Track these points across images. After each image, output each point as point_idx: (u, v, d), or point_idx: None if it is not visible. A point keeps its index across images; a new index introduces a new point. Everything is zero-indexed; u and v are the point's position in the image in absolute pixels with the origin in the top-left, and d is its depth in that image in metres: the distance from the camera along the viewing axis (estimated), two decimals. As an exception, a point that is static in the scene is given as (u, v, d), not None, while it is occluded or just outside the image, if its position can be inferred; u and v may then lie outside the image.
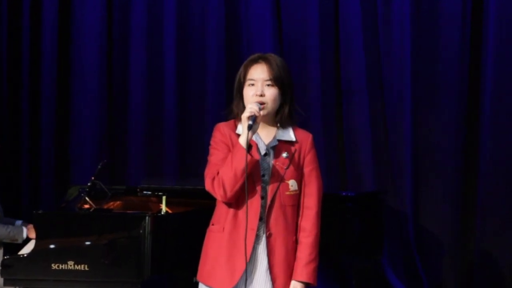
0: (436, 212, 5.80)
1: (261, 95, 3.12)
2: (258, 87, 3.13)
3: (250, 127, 3.03)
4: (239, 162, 3.04)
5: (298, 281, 3.16)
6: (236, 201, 3.13)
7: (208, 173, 3.15)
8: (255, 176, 3.12)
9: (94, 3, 6.28)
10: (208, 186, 3.14)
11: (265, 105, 3.11)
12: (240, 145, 3.06)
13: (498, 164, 5.61)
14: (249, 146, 3.05)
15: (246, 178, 3.03)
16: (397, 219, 5.80)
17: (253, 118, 3.04)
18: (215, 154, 3.17)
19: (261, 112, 3.08)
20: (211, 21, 6.15)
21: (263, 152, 3.17)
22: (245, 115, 3.05)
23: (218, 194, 3.12)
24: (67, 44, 6.34)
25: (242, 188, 3.07)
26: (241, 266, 3.11)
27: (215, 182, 3.10)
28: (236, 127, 3.20)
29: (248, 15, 6.11)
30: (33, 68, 6.31)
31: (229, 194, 3.09)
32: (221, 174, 3.08)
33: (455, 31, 5.73)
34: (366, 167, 5.88)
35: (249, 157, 3.03)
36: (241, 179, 3.05)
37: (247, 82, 3.16)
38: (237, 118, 3.20)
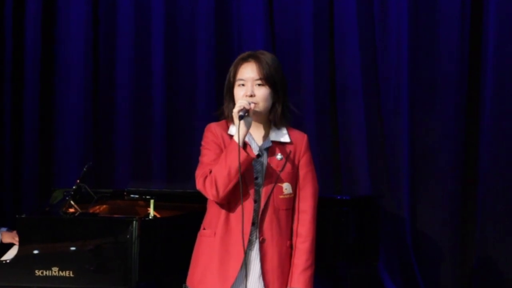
0: (434, 216, 5.76)
1: (251, 96, 3.06)
2: (248, 87, 3.07)
3: (241, 118, 2.95)
4: (234, 160, 2.96)
5: (295, 289, 3.12)
6: (228, 205, 3.07)
7: (199, 173, 3.08)
8: (248, 178, 3.05)
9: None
10: (199, 185, 3.07)
11: (256, 104, 3.05)
12: (235, 142, 2.98)
13: (498, 166, 5.57)
14: (244, 143, 3.00)
15: (241, 177, 2.97)
16: (394, 223, 5.77)
17: (244, 111, 2.97)
18: (207, 154, 3.10)
19: (252, 106, 3.01)
20: (201, 17, 6.08)
21: (256, 153, 3.09)
22: (235, 110, 2.99)
23: (209, 193, 3.05)
24: (51, 42, 6.26)
25: (234, 188, 3.00)
26: (233, 272, 3.05)
27: (207, 181, 3.03)
28: (228, 127, 3.14)
29: (240, 10, 6.07)
30: (16, 67, 6.22)
31: (221, 194, 3.02)
32: (214, 172, 3.01)
33: (454, 29, 5.70)
34: (362, 169, 5.84)
35: (244, 154, 2.96)
36: (235, 178, 2.98)
37: (237, 82, 3.11)
38: (229, 119, 3.13)
